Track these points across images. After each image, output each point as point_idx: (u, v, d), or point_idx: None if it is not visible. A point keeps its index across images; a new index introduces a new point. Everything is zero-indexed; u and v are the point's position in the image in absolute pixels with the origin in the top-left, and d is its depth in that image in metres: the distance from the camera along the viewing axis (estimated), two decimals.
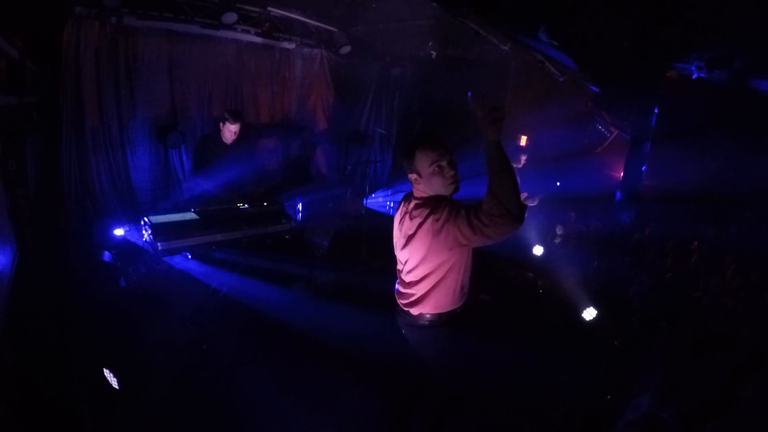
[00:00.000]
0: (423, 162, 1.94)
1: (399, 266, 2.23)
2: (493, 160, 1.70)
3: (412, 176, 2.00)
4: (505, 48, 5.61)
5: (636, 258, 4.56)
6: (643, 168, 4.56)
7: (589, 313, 4.02)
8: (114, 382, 2.83)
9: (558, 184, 6.39)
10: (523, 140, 8.22)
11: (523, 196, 6.07)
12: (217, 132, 4.32)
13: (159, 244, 3.42)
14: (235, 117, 4.24)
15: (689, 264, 4.27)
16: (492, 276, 4.84)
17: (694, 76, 3.61)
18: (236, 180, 4.29)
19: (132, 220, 4.59)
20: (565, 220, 5.69)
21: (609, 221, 5.05)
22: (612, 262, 4.65)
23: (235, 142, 4.32)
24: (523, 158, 6.18)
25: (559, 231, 5.51)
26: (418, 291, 2.09)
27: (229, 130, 4.23)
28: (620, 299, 4.16)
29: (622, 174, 4.85)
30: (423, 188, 2.00)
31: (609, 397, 3.09)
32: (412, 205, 2.04)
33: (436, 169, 1.93)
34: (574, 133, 7.38)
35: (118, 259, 4.22)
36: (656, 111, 4.38)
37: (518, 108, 8.09)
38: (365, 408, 2.95)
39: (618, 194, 4.91)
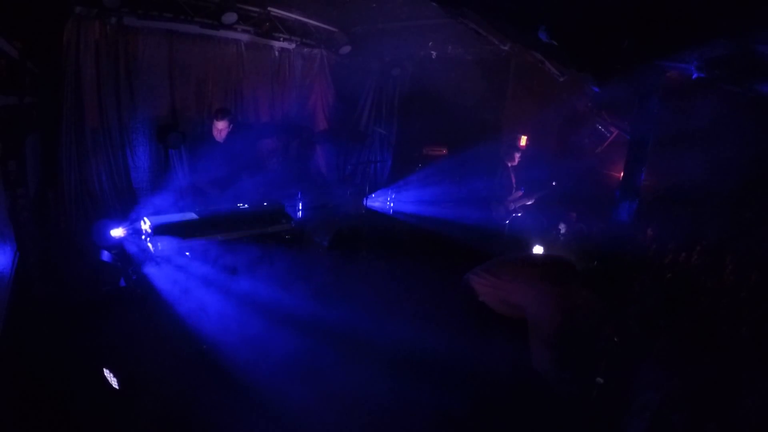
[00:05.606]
0: None
1: None
2: None
3: None
4: (505, 48, 5.60)
5: (636, 258, 4.55)
6: (643, 168, 4.56)
7: None
8: (114, 382, 2.83)
9: (554, 183, 6.40)
10: (523, 140, 8.19)
11: (519, 194, 6.10)
12: (210, 130, 4.34)
13: (159, 244, 3.42)
14: (222, 114, 4.25)
15: (689, 264, 4.27)
16: None
17: (694, 76, 3.60)
18: (230, 177, 4.29)
19: (132, 220, 4.59)
20: (565, 220, 5.69)
21: (610, 221, 5.04)
22: (612, 261, 4.64)
23: (228, 139, 4.32)
24: (517, 156, 6.30)
25: (562, 229, 5.52)
26: None
27: (217, 128, 4.25)
28: (620, 299, 4.15)
29: (622, 174, 4.84)
30: None
31: (609, 396, 3.08)
32: None
33: None
34: (574, 133, 7.37)
35: (118, 259, 4.22)
36: (656, 111, 4.37)
37: (518, 108, 8.08)
38: (365, 408, 2.95)
39: (618, 194, 4.91)
